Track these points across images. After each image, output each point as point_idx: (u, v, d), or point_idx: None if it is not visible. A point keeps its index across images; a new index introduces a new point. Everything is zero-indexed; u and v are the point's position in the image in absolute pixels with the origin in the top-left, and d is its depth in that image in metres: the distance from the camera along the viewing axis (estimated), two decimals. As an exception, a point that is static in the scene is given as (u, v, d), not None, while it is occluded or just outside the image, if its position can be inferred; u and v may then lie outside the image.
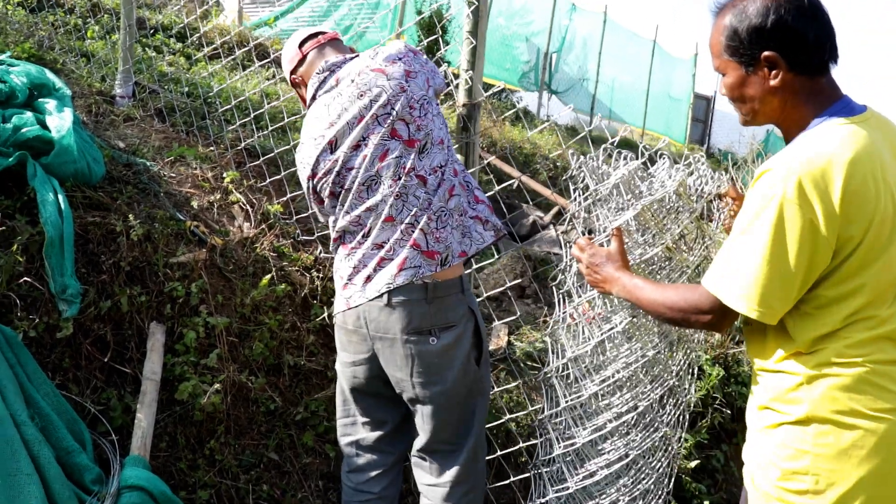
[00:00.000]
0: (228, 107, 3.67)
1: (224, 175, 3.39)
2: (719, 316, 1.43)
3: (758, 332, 1.48)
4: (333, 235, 2.17)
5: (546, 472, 2.20)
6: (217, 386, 2.46)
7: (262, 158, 3.41)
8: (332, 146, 2.05)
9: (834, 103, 1.43)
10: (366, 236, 2.06)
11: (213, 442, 2.53)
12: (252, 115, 3.53)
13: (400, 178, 2.00)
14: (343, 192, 2.07)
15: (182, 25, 4.76)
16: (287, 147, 3.41)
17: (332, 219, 2.16)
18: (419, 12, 10.30)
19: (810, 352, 1.39)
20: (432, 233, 2.01)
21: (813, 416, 1.37)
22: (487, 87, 2.87)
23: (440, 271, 2.00)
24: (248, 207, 3.26)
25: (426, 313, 2.01)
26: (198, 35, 4.66)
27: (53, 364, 2.38)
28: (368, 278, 2.04)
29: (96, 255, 2.67)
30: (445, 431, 2.08)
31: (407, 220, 2.00)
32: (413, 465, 2.20)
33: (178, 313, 2.70)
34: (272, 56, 4.97)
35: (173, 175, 3.35)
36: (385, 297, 2.00)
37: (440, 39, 4.65)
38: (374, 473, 2.21)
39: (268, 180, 3.38)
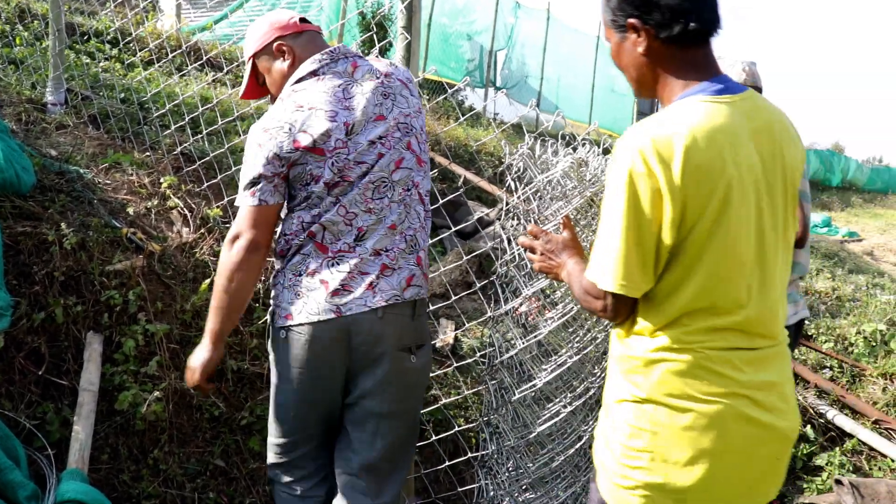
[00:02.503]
0: (163, 111, 3.60)
1: (161, 180, 3.32)
2: (609, 301, 1.42)
3: None
4: (295, 229, 1.91)
5: (491, 470, 2.21)
6: (157, 394, 2.41)
7: (199, 162, 3.35)
8: (349, 129, 1.87)
9: (707, 80, 1.42)
10: (360, 240, 1.88)
11: (156, 451, 2.49)
12: (188, 119, 3.47)
13: (409, 190, 1.95)
14: (341, 182, 1.87)
15: (115, 29, 4.65)
16: (222, 150, 3.35)
17: (300, 211, 1.90)
18: (361, 13, 10.29)
19: (653, 336, 1.41)
20: (426, 252, 2.01)
21: (650, 398, 1.40)
22: (438, 85, 2.87)
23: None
24: (187, 212, 3.21)
25: (411, 330, 1.96)
26: (129, 39, 4.57)
27: (-17, 379, 2.31)
28: (371, 286, 1.88)
29: (28, 265, 2.60)
30: (394, 450, 1.99)
31: (409, 234, 1.95)
32: (342, 486, 1.99)
33: (117, 322, 2.64)
34: (206, 58, 4.90)
35: (108, 182, 3.27)
36: (380, 309, 1.88)
37: (374, 37, 4.60)
38: (318, 479, 2.07)
39: (206, 184, 3.33)
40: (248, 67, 2.07)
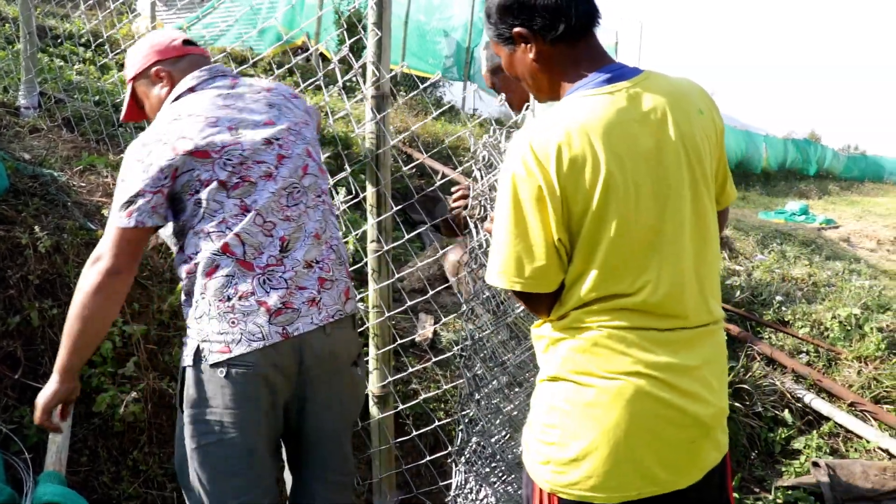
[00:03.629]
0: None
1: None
2: (523, 299, 1.48)
3: None
4: (202, 246, 1.72)
5: (469, 460, 2.23)
6: (134, 394, 2.41)
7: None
8: (233, 128, 1.77)
9: (593, 72, 1.44)
10: (286, 250, 1.76)
11: (136, 452, 2.48)
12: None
13: (320, 197, 1.91)
14: (241, 183, 1.74)
15: (86, 31, 4.63)
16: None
17: (201, 223, 1.72)
18: (337, 11, 10.26)
19: (558, 319, 1.46)
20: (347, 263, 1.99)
21: (557, 376, 1.44)
22: (414, 80, 2.88)
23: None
24: (164, 213, 3.20)
25: (355, 343, 1.94)
26: (101, 41, 4.53)
27: (-42, 384, 2.29)
28: (314, 302, 1.78)
29: (2, 269, 2.58)
30: (347, 461, 1.98)
31: (334, 243, 1.91)
32: (322, 499, 1.93)
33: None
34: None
35: (83, 185, 3.26)
36: (326, 326, 1.80)
37: (345, 35, 4.61)
38: None
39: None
40: (127, 90, 1.99)
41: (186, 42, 1.98)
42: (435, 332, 3.26)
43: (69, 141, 3.75)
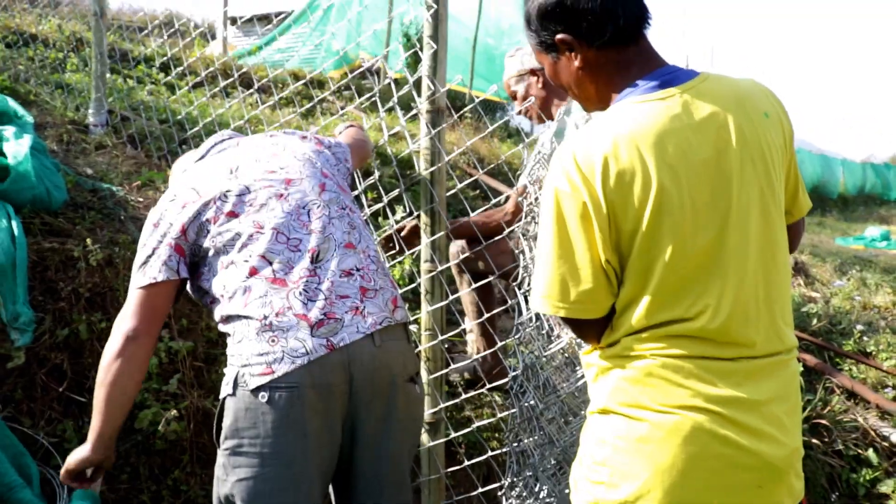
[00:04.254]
0: (197, 128, 3.60)
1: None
2: (571, 325, 1.36)
3: None
4: (229, 279, 1.66)
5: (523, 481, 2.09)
6: (174, 412, 2.36)
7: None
8: (232, 170, 1.79)
9: (642, 77, 1.31)
10: (318, 261, 1.68)
11: (177, 472, 2.43)
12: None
13: (345, 209, 1.83)
14: (254, 207, 1.72)
15: (167, 56, 4.75)
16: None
17: (222, 257, 1.69)
18: (406, 35, 10.34)
19: (609, 346, 1.32)
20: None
21: (607, 408, 1.31)
22: (485, 104, 2.80)
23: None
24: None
25: (411, 357, 1.78)
26: (176, 64, 4.64)
27: (3, 395, 2.29)
28: (358, 310, 1.65)
29: (54, 281, 2.59)
30: (402, 489, 1.78)
31: (372, 253, 1.81)
32: None
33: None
34: (257, 84, 4.93)
35: (140, 200, 3.28)
36: (373, 336, 1.66)
37: (419, 54, 4.57)
38: None
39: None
40: None
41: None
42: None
43: (132, 157, 3.80)
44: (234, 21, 12.85)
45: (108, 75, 5.04)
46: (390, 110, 2.82)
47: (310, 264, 1.67)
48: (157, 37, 7.06)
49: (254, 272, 1.64)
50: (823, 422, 3.57)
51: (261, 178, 1.77)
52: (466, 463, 2.52)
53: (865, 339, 4.37)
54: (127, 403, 1.65)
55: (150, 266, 1.65)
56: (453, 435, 2.55)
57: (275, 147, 1.90)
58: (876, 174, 20.66)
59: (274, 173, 1.79)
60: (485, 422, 2.57)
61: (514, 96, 2.98)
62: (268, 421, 1.55)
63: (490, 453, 2.45)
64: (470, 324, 3.08)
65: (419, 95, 2.61)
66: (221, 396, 1.64)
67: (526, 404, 1.92)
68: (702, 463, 1.21)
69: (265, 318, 1.59)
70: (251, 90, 4.66)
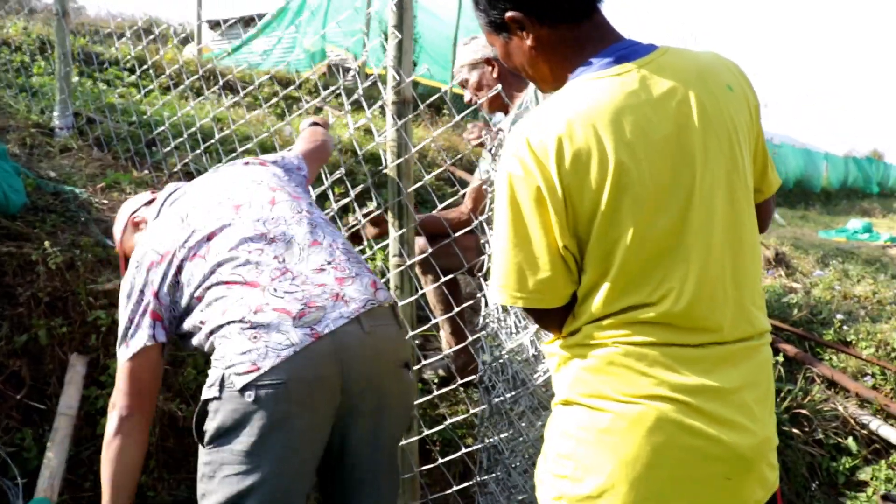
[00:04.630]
0: (162, 128, 3.52)
1: (158, 198, 3.24)
2: (532, 315, 1.31)
3: None
4: (206, 300, 1.64)
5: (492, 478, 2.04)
6: (137, 416, 2.28)
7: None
8: (182, 219, 1.79)
9: (597, 54, 1.25)
10: (286, 262, 1.65)
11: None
12: (186, 136, 3.39)
13: (301, 212, 1.80)
14: (210, 240, 1.69)
15: (129, 57, 4.67)
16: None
17: (198, 288, 1.66)
18: (385, 32, 10.26)
19: (570, 334, 1.27)
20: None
21: (570, 399, 1.26)
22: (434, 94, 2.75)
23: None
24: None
25: (402, 342, 1.74)
26: (146, 66, 4.55)
27: (-43, 404, 2.21)
28: (338, 296, 1.60)
29: (12, 286, 2.51)
30: (395, 481, 1.77)
31: (340, 245, 1.76)
32: None
33: (104, 343, 2.53)
34: (222, 81, 4.85)
35: (105, 202, 3.21)
36: (360, 321, 1.60)
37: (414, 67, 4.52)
38: None
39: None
40: (120, 256, 2.04)
41: (154, 190, 2.05)
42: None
43: (97, 159, 3.72)
44: (216, 25, 12.75)
45: (75, 78, 4.96)
46: (357, 105, 2.77)
47: (279, 264, 1.64)
48: (136, 41, 6.99)
49: (227, 283, 1.62)
50: (804, 411, 3.54)
51: (211, 213, 1.76)
52: (441, 461, 2.47)
53: (846, 328, 4.35)
54: (131, 478, 1.68)
55: (130, 338, 1.66)
56: (427, 432, 2.50)
57: (219, 181, 1.89)
58: (858, 168, 20.85)
59: (222, 204, 1.78)
60: (458, 418, 2.51)
61: (464, 84, 2.93)
62: (255, 420, 1.49)
63: (464, 450, 2.40)
64: (440, 321, 3.03)
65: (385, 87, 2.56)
66: (204, 398, 1.57)
67: (495, 399, 1.86)
68: (668, 454, 1.16)
69: (243, 318, 1.55)
70: (214, 88, 4.58)
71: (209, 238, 1.68)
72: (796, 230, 10.90)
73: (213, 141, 3.07)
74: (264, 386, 1.48)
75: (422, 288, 3.03)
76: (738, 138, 1.24)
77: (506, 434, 1.89)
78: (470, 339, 2.42)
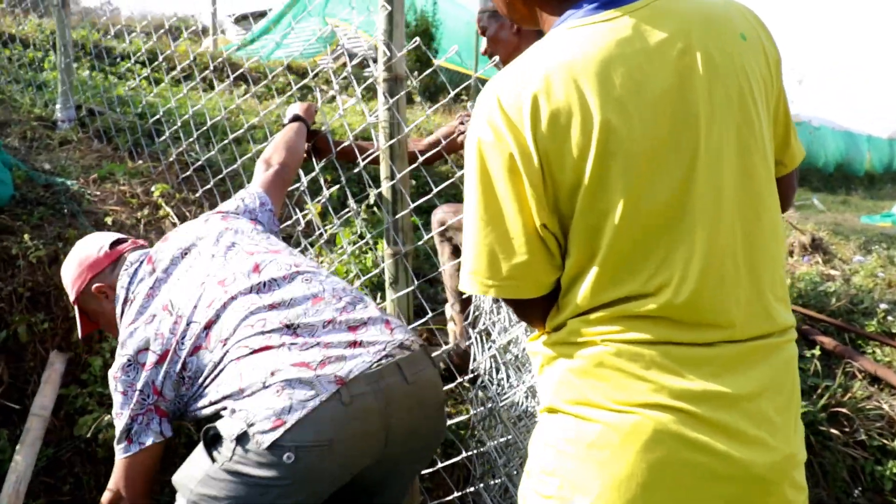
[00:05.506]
0: (156, 117, 3.39)
1: (152, 189, 3.11)
2: (511, 306, 1.14)
3: None
4: (214, 381, 1.56)
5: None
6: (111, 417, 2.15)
7: (191, 168, 3.12)
8: (167, 308, 1.68)
9: None
10: (293, 325, 1.54)
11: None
12: (179, 125, 3.25)
13: (290, 267, 1.69)
14: (210, 326, 1.59)
15: (141, 53, 4.59)
16: (213, 154, 3.12)
17: (204, 374, 1.59)
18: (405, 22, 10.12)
19: (555, 330, 1.09)
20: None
21: (554, 407, 1.07)
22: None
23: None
24: (178, 221, 2.98)
25: (440, 382, 1.66)
26: (159, 59, 4.46)
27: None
28: (355, 343, 1.52)
29: (-9, 281, 2.40)
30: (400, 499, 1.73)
31: (340, 292, 1.65)
32: None
33: (86, 339, 2.40)
34: (233, 74, 4.73)
35: (98, 193, 3.09)
36: (402, 370, 1.53)
37: (429, 47, 4.34)
38: None
39: (200, 191, 3.09)
40: (76, 310, 1.90)
41: (115, 243, 1.86)
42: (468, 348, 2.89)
43: (96, 151, 3.61)
44: (242, 19, 12.75)
45: (85, 72, 4.89)
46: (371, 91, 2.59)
47: (287, 328, 1.53)
48: (149, 36, 6.93)
49: (236, 359, 1.52)
50: (844, 410, 3.28)
51: (199, 298, 1.62)
52: (440, 465, 2.29)
53: (890, 318, 4.05)
54: None
55: (135, 435, 1.59)
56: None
57: (189, 258, 1.74)
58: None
59: (205, 284, 1.65)
60: (461, 419, 2.33)
61: (482, 32, 2.69)
62: (277, 481, 1.38)
63: (465, 454, 2.22)
64: (450, 308, 2.84)
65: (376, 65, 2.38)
66: (224, 434, 1.44)
67: (485, 400, 1.68)
68: (668, 473, 0.97)
69: (264, 382, 1.44)
70: (227, 81, 4.46)
71: (207, 327, 1.58)
72: (837, 216, 10.47)
73: (205, 128, 2.93)
74: (292, 442, 1.37)
75: (438, 266, 2.83)
76: (754, 95, 1.03)
77: (503, 439, 1.71)
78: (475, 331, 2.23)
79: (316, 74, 6.63)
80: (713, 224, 1.00)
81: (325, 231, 2.59)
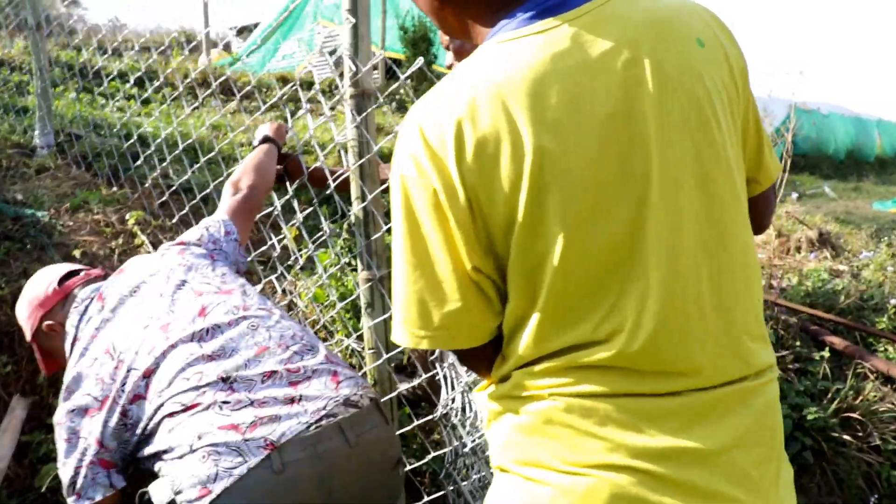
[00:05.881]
0: (132, 140, 3.29)
1: (127, 217, 3.01)
2: (455, 355, 1.03)
3: None
4: (163, 414, 1.47)
5: None
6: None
7: (168, 192, 3.01)
8: (109, 352, 1.60)
9: (521, 5, 0.92)
10: (230, 379, 1.45)
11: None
12: (152, 148, 3.15)
13: (238, 309, 1.61)
14: (150, 374, 1.51)
15: (116, 70, 4.52)
16: (187, 177, 3.01)
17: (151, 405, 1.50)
18: (402, 27, 10.02)
19: (501, 381, 0.97)
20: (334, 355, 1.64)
21: (501, 466, 0.97)
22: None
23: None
24: (152, 250, 2.88)
25: (393, 439, 1.56)
26: (148, 77, 4.37)
27: None
28: (293, 400, 1.42)
29: (-48, 323, 2.31)
30: None
31: (286, 342, 1.56)
32: None
33: (52, 382, 2.31)
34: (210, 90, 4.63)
35: (70, 223, 2.99)
36: (344, 432, 1.42)
37: (427, 53, 4.22)
38: None
39: (177, 217, 2.98)
40: (35, 349, 1.83)
41: (64, 278, 1.80)
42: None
43: (73, 178, 3.52)
44: (243, 31, 12.71)
45: (72, 94, 4.82)
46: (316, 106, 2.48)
47: (223, 382, 1.44)
48: (141, 54, 6.85)
49: (169, 415, 1.44)
50: (855, 415, 3.14)
51: (140, 343, 1.54)
52: (426, 498, 2.18)
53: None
54: None
55: (81, 488, 1.49)
56: (408, 468, 2.21)
57: (138, 297, 1.65)
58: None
59: (149, 328, 1.56)
60: (445, 451, 2.21)
61: (446, 46, 2.54)
62: None
63: (450, 488, 2.10)
64: None
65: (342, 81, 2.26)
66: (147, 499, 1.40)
67: (459, 442, 1.56)
68: None
69: (191, 445, 1.37)
70: (207, 94, 4.37)
71: (146, 375, 1.49)
72: (848, 203, 10.27)
73: (178, 151, 2.82)
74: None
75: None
76: (716, 109, 0.90)
77: (475, 479, 1.59)
78: (441, 369, 2.10)
79: (297, 86, 6.55)
80: (671, 261, 0.87)
81: (301, 256, 2.48)
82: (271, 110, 5.75)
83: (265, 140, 2.31)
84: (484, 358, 0.99)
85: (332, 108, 2.47)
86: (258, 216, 2.48)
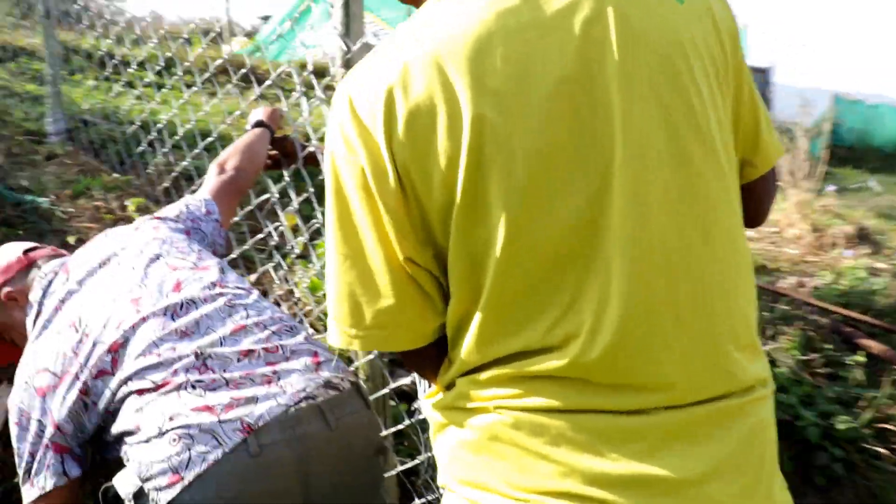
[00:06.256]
0: (135, 126, 3.23)
1: (126, 203, 2.95)
2: (399, 356, 0.90)
3: None
4: (113, 410, 1.37)
5: None
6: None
7: (168, 178, 2.95)
8: (75, 325, 1.50)
9: None
10: (204, 356, 1.37)
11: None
12: (154, 133, 3.08)
13: (214, 286, 1.51)
14: (115, 350, 1.40)
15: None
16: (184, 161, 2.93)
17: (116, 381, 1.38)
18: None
19: (446, 388, 0.85)
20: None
21: (445, 485, 0.85)
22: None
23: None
24: (150, 237, 2.81)
25: (375, 425, 1.47)
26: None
27: None
28: (271, 381, 1.33)
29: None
30: None
31: (264, 322, 1.47)
32: None
33: (4, 372, 2.24)
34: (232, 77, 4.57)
35: (72, 210, 2.94)
36: (324, 415, 1.33)
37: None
38: None
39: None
40: None
41: (29, 250, 1.68)
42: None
43: (80, 165, 3.48)
44: (265, 18, 12.72)
45: (91, 82, 4.80)
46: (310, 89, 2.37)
47: (196, 359, 1.34)
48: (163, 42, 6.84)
49: (138, 392, 1.33)
50: (892, 426, 2.94)
51: (108, 317, 1.43)
52: (418, 501, 2.07)
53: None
54: None
55: (35, 476, 1.38)
56: (399, 468, 2.10)
57: (108, 269, 1.55)
58: None
59: (117, 301, 1.45)
60: (411, 464, 2.10)
61: None
62: None
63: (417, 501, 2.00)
64: None
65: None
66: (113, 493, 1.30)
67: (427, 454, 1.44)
68: None
69: (160, 427, 1.26)
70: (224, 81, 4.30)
71: (112, 350, 1.39)
72: (894, 198, 9.87)
73: (177, 137, 2.75)
74: (189, 498, 1.20)
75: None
76: (695, 76, 0.76)
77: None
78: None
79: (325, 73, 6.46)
80: (638, 254, 0.74)
81: (296, 244, 2.39)
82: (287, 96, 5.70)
83: (258, 124, 2.21)
84: (431, 360, 0.87)
85: (326, 90, 2.35)
86: (256, 205, 2.39)
